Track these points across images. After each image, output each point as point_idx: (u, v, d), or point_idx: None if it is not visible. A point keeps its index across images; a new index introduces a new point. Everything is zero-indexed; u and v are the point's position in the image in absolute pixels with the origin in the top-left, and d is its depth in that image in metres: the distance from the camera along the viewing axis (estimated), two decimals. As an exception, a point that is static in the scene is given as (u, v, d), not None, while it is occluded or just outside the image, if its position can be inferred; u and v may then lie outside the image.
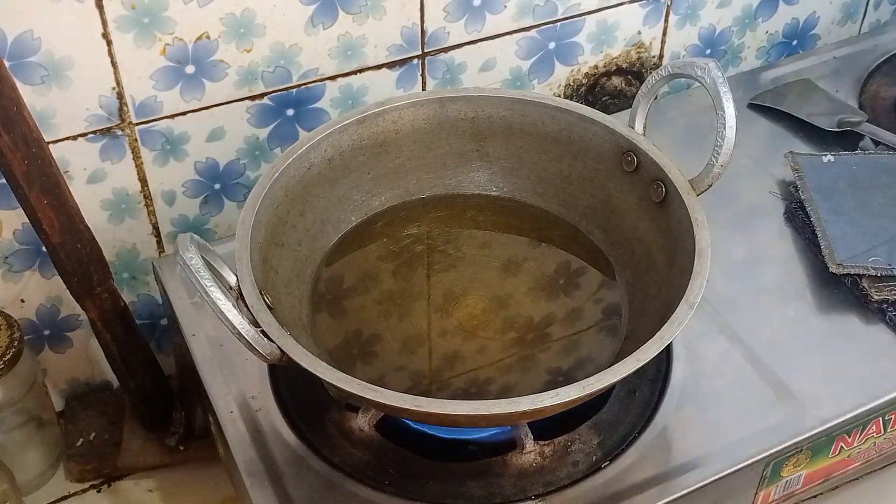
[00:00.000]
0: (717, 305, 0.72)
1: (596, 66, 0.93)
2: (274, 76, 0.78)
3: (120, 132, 0.75)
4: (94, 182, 0.76)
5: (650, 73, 0.77)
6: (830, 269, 0.73)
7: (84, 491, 0.83)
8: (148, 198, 0.79)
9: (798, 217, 0.78)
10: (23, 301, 0.80)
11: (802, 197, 0.79)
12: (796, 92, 0.93)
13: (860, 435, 0.68)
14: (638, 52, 0.94)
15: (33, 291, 0.79)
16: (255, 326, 0.55)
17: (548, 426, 0.63)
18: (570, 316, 0.67)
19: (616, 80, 0.95)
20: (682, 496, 0.61)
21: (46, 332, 0.82)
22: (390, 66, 0.82)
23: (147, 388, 0.79)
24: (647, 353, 0.55)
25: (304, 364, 0.54)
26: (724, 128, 0.63)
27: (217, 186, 0.82)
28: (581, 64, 0.92)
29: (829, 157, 0.82)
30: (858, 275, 0.72)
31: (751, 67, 1.01)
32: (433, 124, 0.74)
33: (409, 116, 0.73)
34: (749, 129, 0.89)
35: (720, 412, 0.66)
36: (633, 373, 0.55)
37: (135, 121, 0.75)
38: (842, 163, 0.82)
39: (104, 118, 0.73)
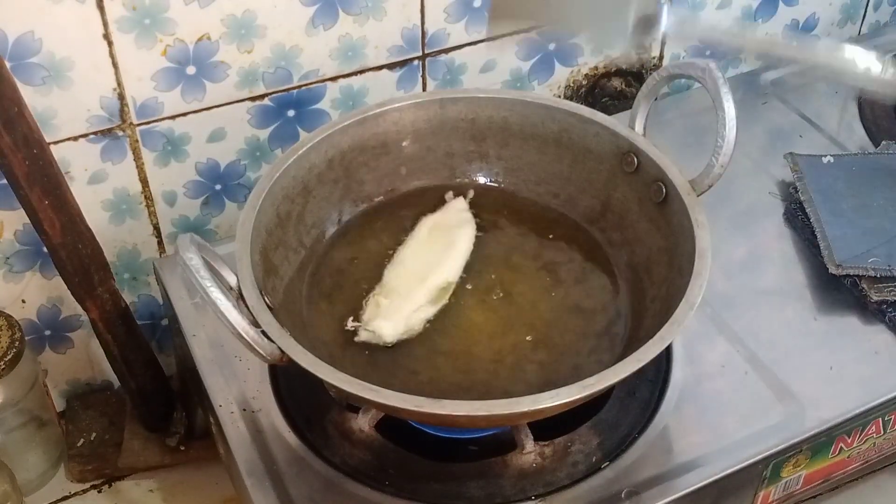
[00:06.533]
0: (716, 306, 0.72)
1: (596, 68, 0.93)
2: (275, 77, 0.78)
3: (121, 133, 0.75)
4: (95, 183, 0.76)
5: (650, 73, 0.77)
6: (830, 271, 0.73)
7: (85, 491, 0.83)
8: (149, 198, 0.79)
9: (798, 218, 0.79)
10: (24, 301, 0.80)
11: (802, 198, 0.79)
12: None
13: (860, 435, 0.68)
14: (638, 53, 0.94)
15: (34, 292, 0.80)
16: (256, 327, 0.55)
17: (548, 427, 0.63)
18: (571, 316, 0.67)
19: (616, 82, 0.95)
20: (681, 496, 0.61)
21: (47, 333, 0.82)
22: (391, 67, 0.82)
23: (148, 389, 0.80)
24: (647, 353, 0.55)
25: (304, 364, 0.54)
26: (725, 128, 0.63)
27: (218, 187, 0.82)
28: (581, 65, 0.92)
29: (828, 158, 0.82)
30: (858, 276, 0.73)
31: (750, 69, 1.01)
32: (433, 125, 0.74)
33: (409, 117, 0.73)
34: (749, 129, 0.89)
35: (720, 412, 0.66)
36: (633, 373, 0.55)
37: (136, 121, 0.75)
38: (841, 164, 0.82)
39: (105, 119, 0.73)
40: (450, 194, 0.74)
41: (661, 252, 0.67)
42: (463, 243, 0.70)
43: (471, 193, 0.74)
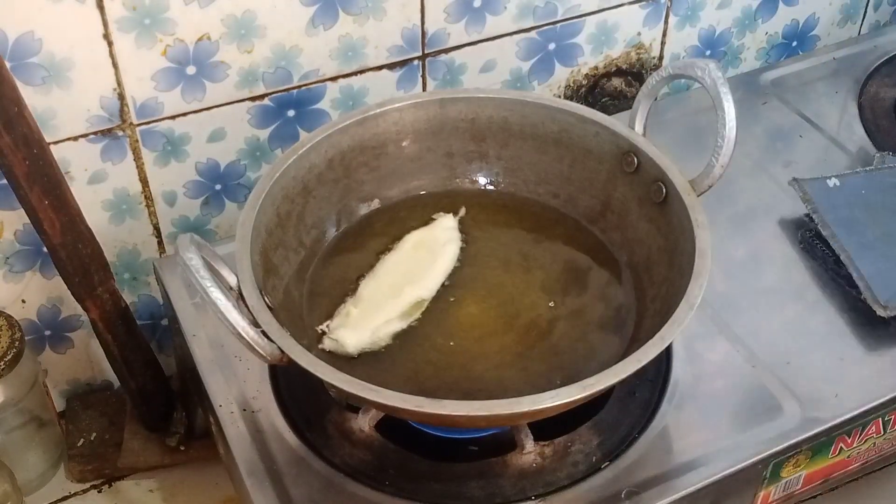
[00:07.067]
0: (716, 306, 0.72)
1: (596, 68, 0.93)
2: (275, 77, 0.78)
3: (121, 133, 0.75)
4: (95, 183, 0.76)
5: (650, 73, 0.77)
6: (878, 314, 0.70)
7: (85, 491, 0.83)
8: (149, 198, 0.79)
9: (817, 248, 0.76)
10: (24, 301, 0.80)
11: (824, 233, 0.76)
12: None
13: (860, 435, 0.68)
14: (638, 54, 0.94)
15: (34, 292, 0.80)
16: (256, 327, 0.55)
17: (548, 426, 0.63)
18: (571, 316, 0.67)
19: (616, 81, 0.95)
20: (681, 496, 0.61)
21: (47, 333, 0.83)
22: (391, 67, 0.82)
23: (148, 389, 0.80)
24: (647, 353, 0.55)
25: (304, 364, 0.55)
26: (725, 128, 0.63)
27: (218, 187, 0.82)
28: (581, 65, 0.92)
29: (834, 181, 0.79)
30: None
31: (750, 68, 1.02)
32: (433, 125, 0.74)
33: (409, 117, 0.73)
34: (749, 129, 0.89)
35: (720, 412, 0.66)
36: (633, 373, 0.55)
37: (136, 121, 0.75)
38: (849, 186, 0.79)
39: (105, 119, 0.73)
40: (439, 214, 0.74)
41: (661, 252, 0.67)
42: (444, 261, 0.70)
43: (462, 211, 0.74)
